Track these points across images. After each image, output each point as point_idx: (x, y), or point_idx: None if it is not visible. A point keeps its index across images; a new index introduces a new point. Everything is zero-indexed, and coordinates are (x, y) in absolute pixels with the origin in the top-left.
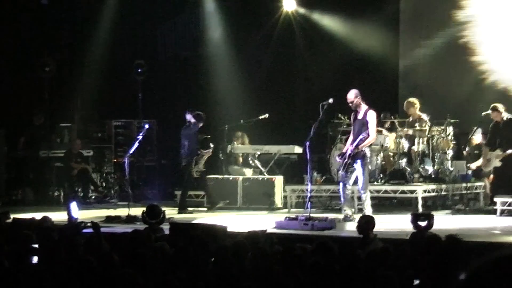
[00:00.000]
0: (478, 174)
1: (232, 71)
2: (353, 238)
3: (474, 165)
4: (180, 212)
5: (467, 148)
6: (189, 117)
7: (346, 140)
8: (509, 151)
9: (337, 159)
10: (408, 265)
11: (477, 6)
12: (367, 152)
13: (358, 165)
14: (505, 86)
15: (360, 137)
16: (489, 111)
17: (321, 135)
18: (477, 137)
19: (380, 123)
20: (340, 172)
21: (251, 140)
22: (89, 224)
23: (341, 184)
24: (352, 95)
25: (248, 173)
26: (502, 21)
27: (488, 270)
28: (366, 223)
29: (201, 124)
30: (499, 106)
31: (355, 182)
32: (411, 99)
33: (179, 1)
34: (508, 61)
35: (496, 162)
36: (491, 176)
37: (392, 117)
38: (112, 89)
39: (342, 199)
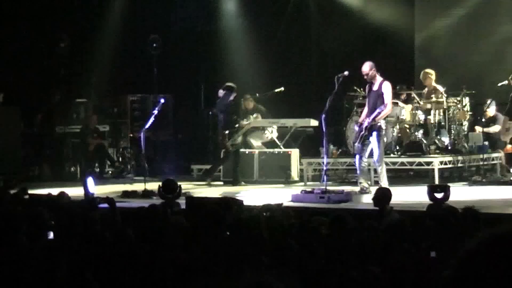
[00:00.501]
0: (495, 145)
1: (247, 45)
2: (369, 210)
3: (491, 130)
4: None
5: (482, 120)
6: (220, 93)
7: (362, 112)
8: None
9: (355, 127)
10: (425, 238)
11: None
12: (383, 124)
13: (373, 138)
14: None
15: (378, 110)
16: (506, 82)
17: (336, 107)
18: (491, 110)
19: (396, 95)
20: (356, 144)
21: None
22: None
23: (357, 156)
24: (367, 67)
25: (256, 143)
26: None
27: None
28: (382, 196)
29: (233, 95)
30: None
31: (371, 154)
32: (427, 70)
33: None
34: None
35: None
36: (508, 146)
37: (409, 87)
38: (127, 64)
39: (358, 171)
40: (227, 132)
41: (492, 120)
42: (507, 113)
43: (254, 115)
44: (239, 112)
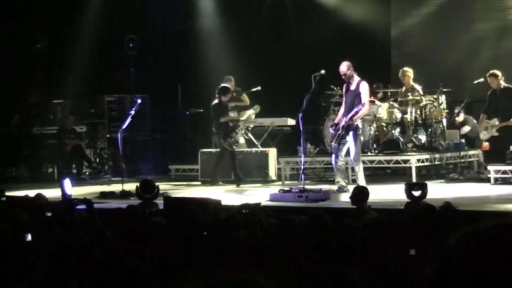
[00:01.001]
0: (472, 143)
1: (224, 44)
2: (347, 209)
3: (462, 131)
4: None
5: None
6: (222, 98)
7: (338, 111)
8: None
9: (330, 130)
10: (403, 235)
11: None
12: (359, 123)
13: (350, 137)
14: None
15: (355, 109)
16: (482, 79)
17: (314, 106)
18: (460, 117)
19: (372, 93)
20: (332, 143)
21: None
22: (82, 202)
23: (333, 155)
24: (344, 67)
25: (241, 141)
26: None
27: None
28: (360, 194)
29: (224, 97)
30: (498, 72)
31: (348, 153)
32: (405, 68)
33: None
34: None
35: (493, 132)
36: (485, 144)
37: (385, 86)
38: (104, 64)
39: (335, 170)
40: (221, 133)
41: (462, 124)
42: (485, 111)
43: (251, 111)
44: (226, 110)
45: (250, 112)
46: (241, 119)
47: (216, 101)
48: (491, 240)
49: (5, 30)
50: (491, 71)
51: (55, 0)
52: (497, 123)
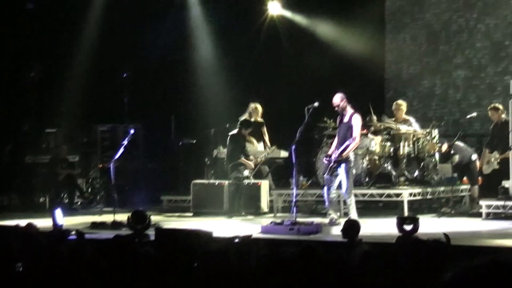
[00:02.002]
0: (467, 170)
1: (218, 75)
2: (339, 242)
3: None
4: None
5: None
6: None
7: (332, 143)
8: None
9: (324, 160)
10: (394, 269)
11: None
12: (351, 156)
13: (342, 170)
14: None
15: (346, 143)
16: (475, 114)
17: (307, 138)
18: (444, 147)
19: (365, 126)
20: (325, 175)
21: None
22: (73, 233)
23: (325, 188)
24: (338, 99)
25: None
26: None
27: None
28: (351, 227)
29: (244, 130)
30: (499, 106)
31: (340, 186)
32: (399, 101)
33: (165, 5)
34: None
35: (495, 165)
36: (479, 178)
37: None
38: (97, 93)
39: (326, 203)
40: (230, 164)
41: (448, 154)
42: (487, 145)
43: (273, 147)
44: (244, 144)
45: (265, 153)
46: (250, 169)
47: (235, 131)
48: (486, 277)
49: None
50: (492, 105)
51: (50, 29)
52: (497, 155)
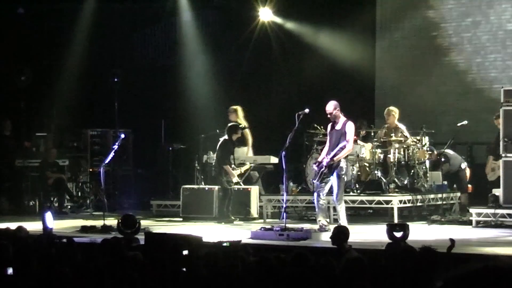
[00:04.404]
0: (456, 178)
1: (208, 80)
2: (328, 248)
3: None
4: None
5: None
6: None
7: (322, 150)
8: None
9: (314, 167)
10: (383, 276)
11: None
12: (343, 163)
13: (333, 177)
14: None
15: (340, 145)
16: (465, 122)
17: (297, 145)
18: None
19: (356, 132)
20: (315, 181)
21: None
22: (64, 240)
23: (315, 194)
24: (331, 107)
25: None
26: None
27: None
28: (340, 234)
29: (233, 135)
30: None
31: (330, 192)
32: (391, 108)
33: (156, 10)
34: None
35: (500, 172)
36: (469, 186)
37: (369, 125)
38: (88, 98)
39: (316, 209)
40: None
41: (438, 162)
42: (492, 152)
43: (247, 166)
44: (232, 150)
45: (247, 167)
46: (235, 178)
47: (225, 137)
48: (480, 282)
49: None
50: (497, 113)
51: (40, 33)
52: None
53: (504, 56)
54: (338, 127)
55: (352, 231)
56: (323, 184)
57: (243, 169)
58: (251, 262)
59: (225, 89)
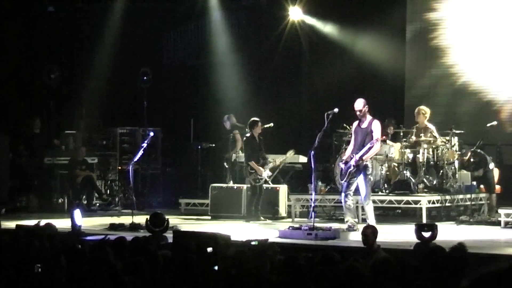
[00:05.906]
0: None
1: (238, 80)
2: (356, 248)
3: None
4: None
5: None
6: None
7: (346, 149)
8: None
9: (341, 165)
10: (412, 277)
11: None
12: (369, 163)
13: (360, 177)
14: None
15: (369, 145)
16: (495, 122)
17: (325, 144)
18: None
19: (384, 132)
20: (342, 181)
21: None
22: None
23: (343, 194)
24: (360, 104)
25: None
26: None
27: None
28: (370, 234)
29: (254, 130)
30: None
31: (358, 192)
32: (422, 107)
33: (186, 10)
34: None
35: None
36: (497, 187)
37: (398, 125)
38: (117, 96)
39: (344, 209)
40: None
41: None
42: None
43: (291, 152)
44: (257, 145)
45: (283, 157)
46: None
47: (248, 134)
48: (507, 280)
49: (20, 61)
50: None
51: (70, 32)
52: None
53: None
54: (364, 125)
55: (381, 231)
56: (350, 184)
57: (278, 160)
58: (279, 261)
59: (255, 88)
